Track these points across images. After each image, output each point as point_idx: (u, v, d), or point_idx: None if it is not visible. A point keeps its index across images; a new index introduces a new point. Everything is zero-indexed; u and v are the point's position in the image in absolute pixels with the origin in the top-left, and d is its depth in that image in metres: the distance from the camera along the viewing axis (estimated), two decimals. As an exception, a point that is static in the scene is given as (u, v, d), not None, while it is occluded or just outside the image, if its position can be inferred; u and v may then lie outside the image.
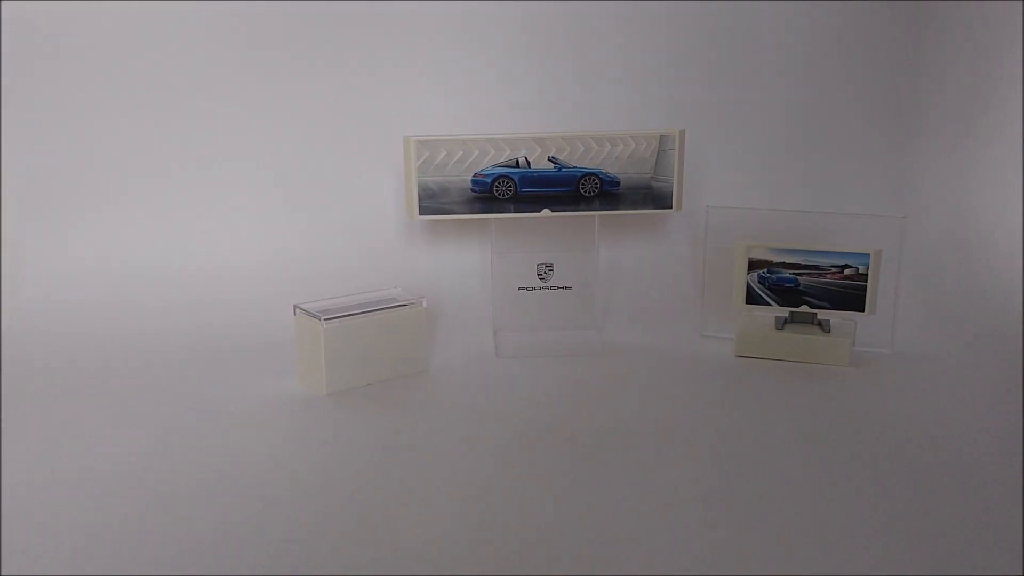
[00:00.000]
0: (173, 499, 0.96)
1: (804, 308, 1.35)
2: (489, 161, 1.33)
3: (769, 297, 1.36)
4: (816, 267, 1.34)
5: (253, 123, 1.56)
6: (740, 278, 1.37)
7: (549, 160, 1.34)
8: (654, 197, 1.36)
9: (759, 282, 1.36)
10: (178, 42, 1.52)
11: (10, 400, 1.21)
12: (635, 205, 1.36)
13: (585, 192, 1.35)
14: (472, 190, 1.34)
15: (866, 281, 1.31)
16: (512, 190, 1.34)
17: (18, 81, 1.50)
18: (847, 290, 1.33)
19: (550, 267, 1.40)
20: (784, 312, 1.37)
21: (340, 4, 1.52)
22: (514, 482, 0.99)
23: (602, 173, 1.35)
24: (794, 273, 1.35)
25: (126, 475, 1.01)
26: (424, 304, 1.30)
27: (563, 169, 1.35)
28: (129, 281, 1.53)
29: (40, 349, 1.38)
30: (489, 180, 1.34)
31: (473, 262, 1.59)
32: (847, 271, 1.33)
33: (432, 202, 1.34)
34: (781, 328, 1.36)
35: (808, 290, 1.35)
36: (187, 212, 1.57)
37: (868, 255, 1.31)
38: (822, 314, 1.36)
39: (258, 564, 0.84)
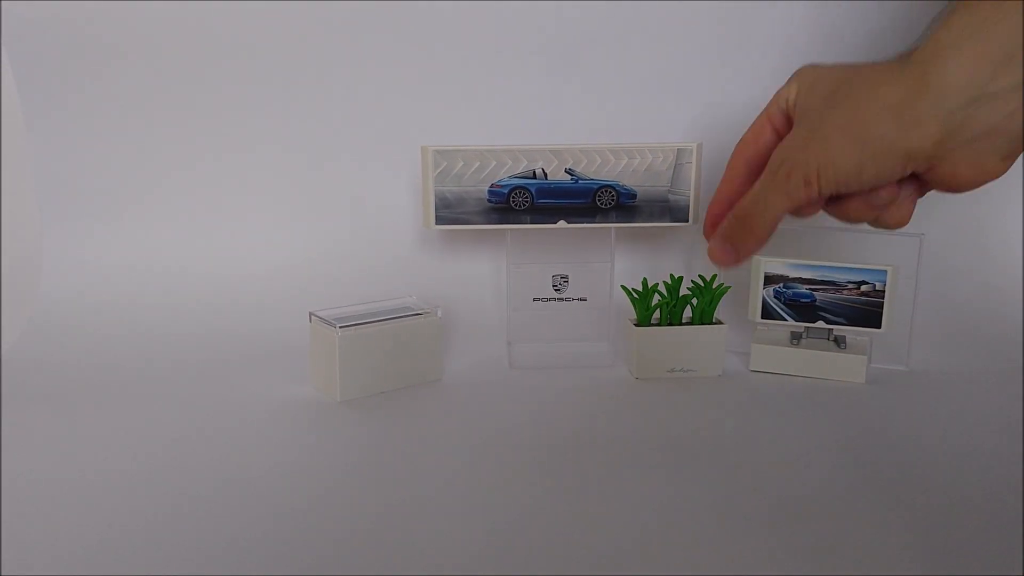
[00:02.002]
0: (184, 502, 0.96)
1: (820, 324, 1.35)
2: (506, 172, 1.34)
3: (785, 312, 1.36)
4: (833, 283, 1.33)
5: (272, 130, 1.57)
6: (756, 293, 1.36)
7: (566, 172, 1.34)
8: (670, 210, 1.36)
9: (775, 297, 1.36)
10: (200, 49, 1.53)
11: (26, 400, 1.22)
12: (651, 218, 1.36)
13: (601, 204, 1.35)
14: (489, 201, 1.34)
15: (883, 298, 1.31)
16: (529, 201, 1.35)
17: (42, 84, 1.51)
18: (864, 306, 1.32)
19: (565, 279, 1.40)
20: (800, 327, 1.37)
21: (360, 12, 1.53)
22: (526, 492, 0.99)
23: (619, 185, 1.35)
24: (810, 288, 1.34)
25: (137, 477, 1.01)
26: (439, 313, 1.30)
27: (580, 181, 1.35)
28: (146, 284, 1.54)
29: (56, 350, 1.39)
30: (506, 191, 1.34)
31: (488, 272, 1.59)
32: (864, 287, 1.32)
33: (449, 212, 1.34)
34: (796, 343, 1.35)
35: (824, 306, 1.34)
36: (205, 218, 1.58)
37: (885, 271, 1.30)
38: (838, 330, 1.35)
39: (268, 568, 0.85)
